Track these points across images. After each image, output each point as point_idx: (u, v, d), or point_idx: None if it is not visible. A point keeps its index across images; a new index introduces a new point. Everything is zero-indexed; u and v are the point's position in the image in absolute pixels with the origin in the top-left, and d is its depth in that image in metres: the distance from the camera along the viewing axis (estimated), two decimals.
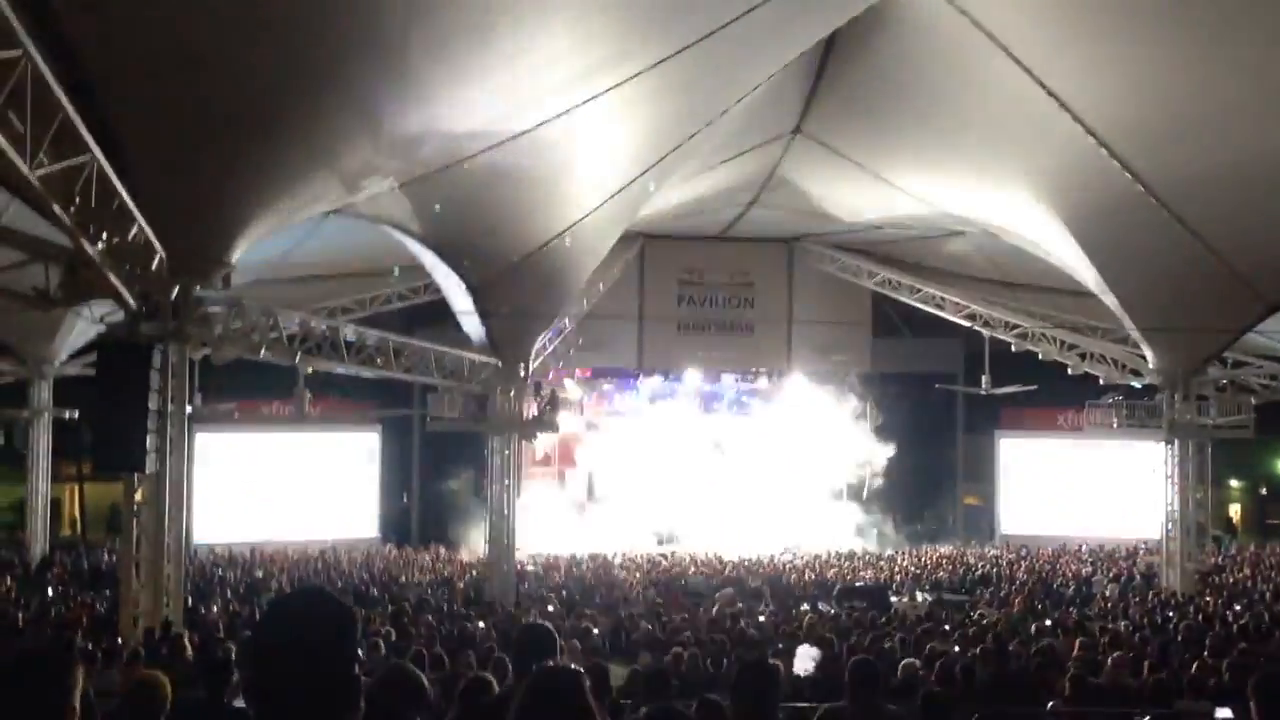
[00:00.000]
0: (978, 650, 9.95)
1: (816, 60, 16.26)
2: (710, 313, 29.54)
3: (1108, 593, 20.06)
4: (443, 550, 26.79)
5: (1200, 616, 14.20)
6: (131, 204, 10.12)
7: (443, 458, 28.08)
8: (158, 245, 11.03)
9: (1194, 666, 8.58)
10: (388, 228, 16.52)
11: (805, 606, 16.83)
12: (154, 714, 4.44)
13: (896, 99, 16.65)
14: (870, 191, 21.32)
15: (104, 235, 9.93)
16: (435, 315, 22.76)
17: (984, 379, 28.36)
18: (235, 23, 9.75)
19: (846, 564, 25.22)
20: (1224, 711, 7.11)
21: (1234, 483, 31.35)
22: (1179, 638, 11.42)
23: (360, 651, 2.13)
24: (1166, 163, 15.22)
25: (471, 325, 19.52)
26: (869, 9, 13.87)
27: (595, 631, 13.14)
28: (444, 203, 15.51)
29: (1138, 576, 21.80)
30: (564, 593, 19.78)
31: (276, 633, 2.06)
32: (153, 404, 11.08)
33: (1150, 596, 18.34)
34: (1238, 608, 15.58)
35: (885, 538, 29.61)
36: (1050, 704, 7.47)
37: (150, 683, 4.63)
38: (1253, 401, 21.07)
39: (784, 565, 25.07)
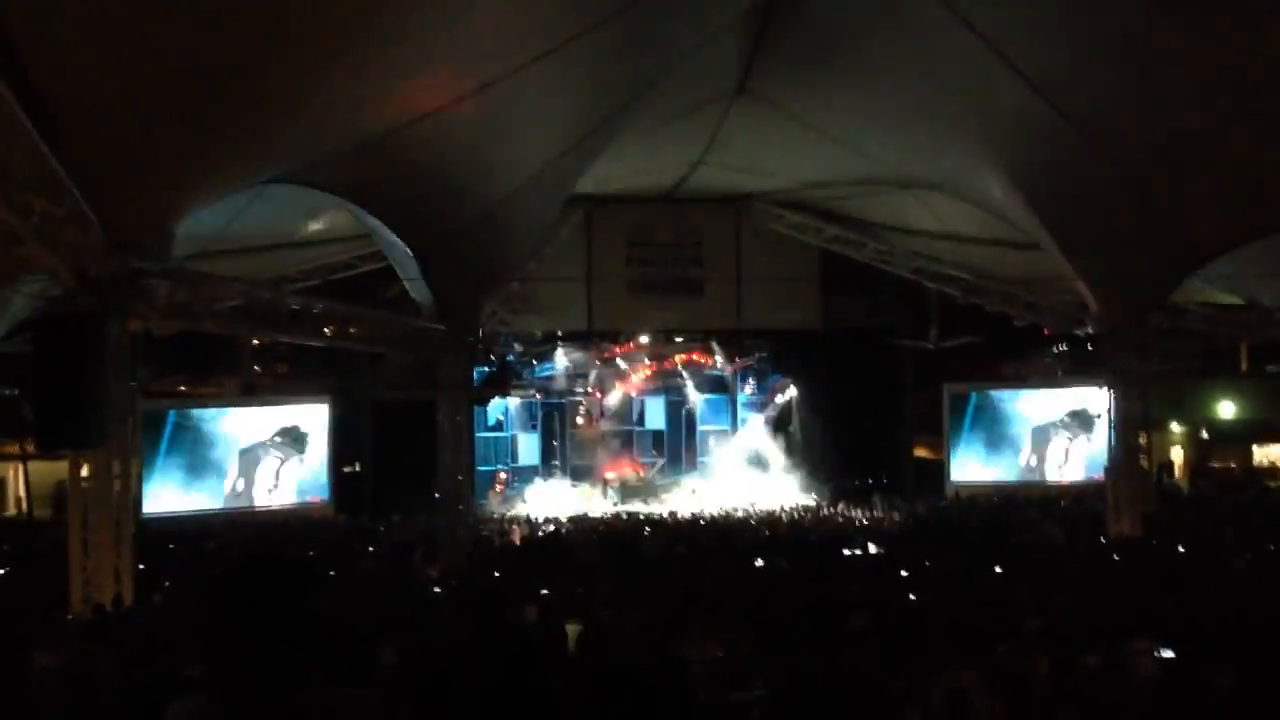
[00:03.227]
0: (929, 597, 10.11)
1: (759, 18, 16.18)
2: (659, 273, 29.43)
3: (1055, 537, 20.39)
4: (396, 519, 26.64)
5: (1144, 558, 14.52)
6: (64, 174, 9.87)
7: (394, 426, 27.82)
8: (93, 217, 10.78)
9: (1139, 607, 8.78)
10: (331, 195, 16.28)
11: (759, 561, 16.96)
12: (98, 687, 4.41)
13: (841, 55, 16.62)
14: (816, 149, 21.33)
15: (36, 208, 9.69)
16: (381, 283, 22.57)
17: (931, 332, 28.64)
18: None
19: (799, 518, 25.46)
20: (1167, 651, 7.32)
21: (1175, 427, 31.92)
22: (1124, 579, 11.68)
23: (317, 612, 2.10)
24: (1110, 116, 15.40)
25: (419, 291, 19.35)
26: None
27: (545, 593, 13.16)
28: (389, 168, 15.29)
29: (1084, 522, 22.18)
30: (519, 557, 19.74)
31: (230, 599, 2.04)
32: (94, 379, 10.89)
33: (1096, 539, 18.69)
34: (1181, 549, 15.94)
35: (837, 492, 29.93)
36: (1000, 647, 7.61)
37: (93, 655, 4.59)
38: (1195, 346, 21.51)
39: (736, 519, 25.29)
